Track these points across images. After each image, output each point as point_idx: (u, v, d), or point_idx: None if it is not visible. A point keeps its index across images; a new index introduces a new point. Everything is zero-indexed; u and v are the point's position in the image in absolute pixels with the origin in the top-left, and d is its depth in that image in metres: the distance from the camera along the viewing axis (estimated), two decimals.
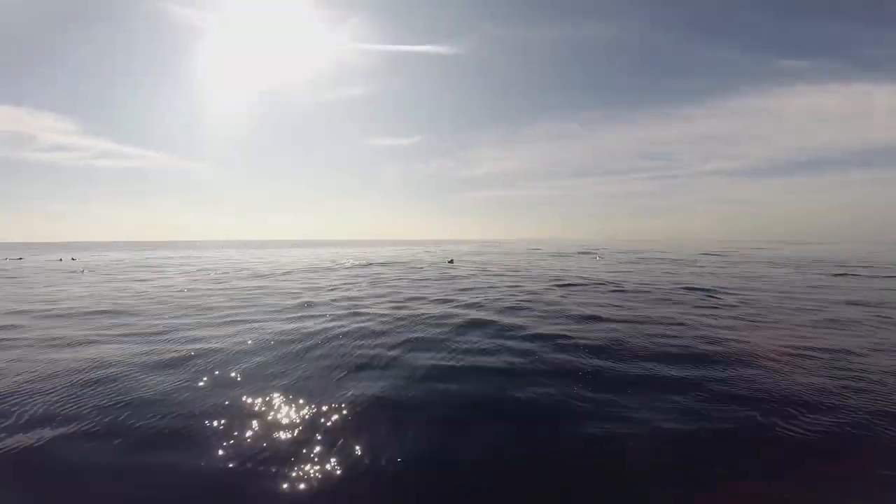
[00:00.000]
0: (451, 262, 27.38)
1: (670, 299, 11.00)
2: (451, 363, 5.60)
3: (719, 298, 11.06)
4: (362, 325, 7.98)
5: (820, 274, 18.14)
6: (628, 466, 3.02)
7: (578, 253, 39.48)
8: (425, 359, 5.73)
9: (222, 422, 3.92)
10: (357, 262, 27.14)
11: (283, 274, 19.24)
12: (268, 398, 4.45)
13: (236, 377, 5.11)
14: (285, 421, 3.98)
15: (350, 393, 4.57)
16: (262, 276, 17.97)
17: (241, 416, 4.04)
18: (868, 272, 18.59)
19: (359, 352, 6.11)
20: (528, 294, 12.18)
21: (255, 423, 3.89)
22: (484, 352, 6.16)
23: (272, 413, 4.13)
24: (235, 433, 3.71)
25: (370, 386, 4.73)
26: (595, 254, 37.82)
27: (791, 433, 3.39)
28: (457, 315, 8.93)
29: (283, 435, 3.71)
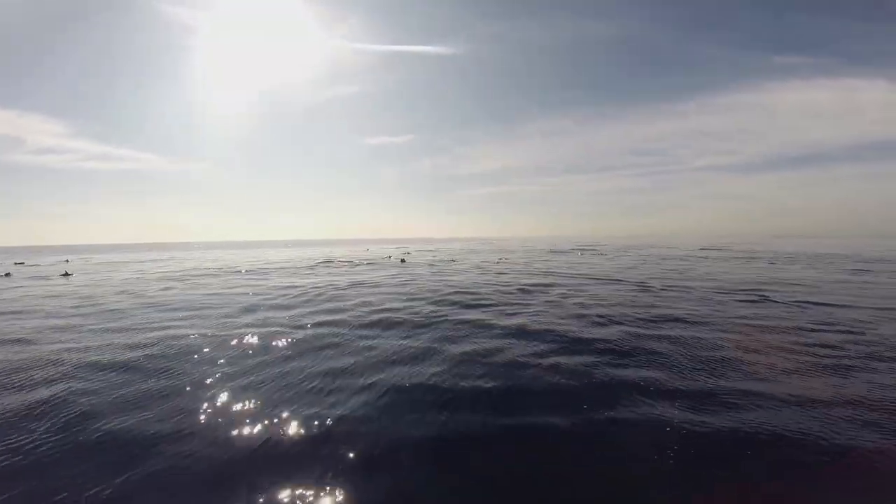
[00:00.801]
0: (454, 261, 26.23)
1: (710, 300, 9.69)
2: (436, 384, 4.56)
3: (777, 302, 9.29)
4: (328, 336, 6.92)
5: (845, 270, 17.24)
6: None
7: (580, 249, 38.43)
8: (399, 386, 4.63)
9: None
10: (346, 262, 26.07)
11: (264, 273, 18.16)
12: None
13: (87, 415, 3.82)
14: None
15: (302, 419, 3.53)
16: (237, 276, 16.88)
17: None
18: (883, 266, 17.70)
19: (315, 379, 5.01)
20: (536, 294, 11.13)
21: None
22: (479, 371, 5.11)
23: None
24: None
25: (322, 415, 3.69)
26: (596, 249, 36.90)
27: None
28: (449, 319, 7.89)
29: None
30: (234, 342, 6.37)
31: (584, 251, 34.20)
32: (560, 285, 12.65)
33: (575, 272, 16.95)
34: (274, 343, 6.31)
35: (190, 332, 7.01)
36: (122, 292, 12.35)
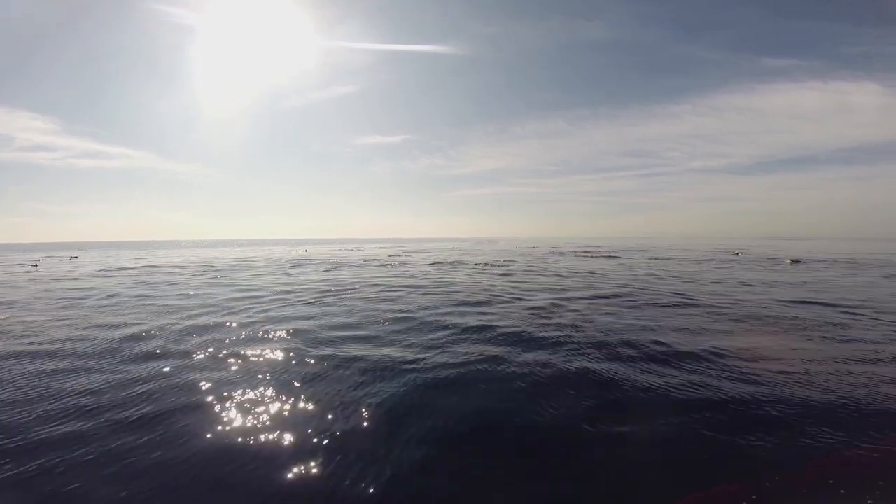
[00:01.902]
0: (453, 262, 23.88)
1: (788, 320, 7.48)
2: None
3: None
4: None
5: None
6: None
7: (586, 251, 36.05)
8: None
9: None
10: (331, 264, 23.84)
11: (237, 269, 15.95)
12: None
13: None
14: None
15: None
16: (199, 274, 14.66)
17: None
18: None
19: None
20: (559, 307, 8.81)
21: None
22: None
23: None
24: None
25: None
26: (599, 250, 34.69)
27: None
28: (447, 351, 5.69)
29: None
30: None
31: (591, 254, 31.78)
32: (580, 299, 10.35)
33: (594, 279, 14.73)
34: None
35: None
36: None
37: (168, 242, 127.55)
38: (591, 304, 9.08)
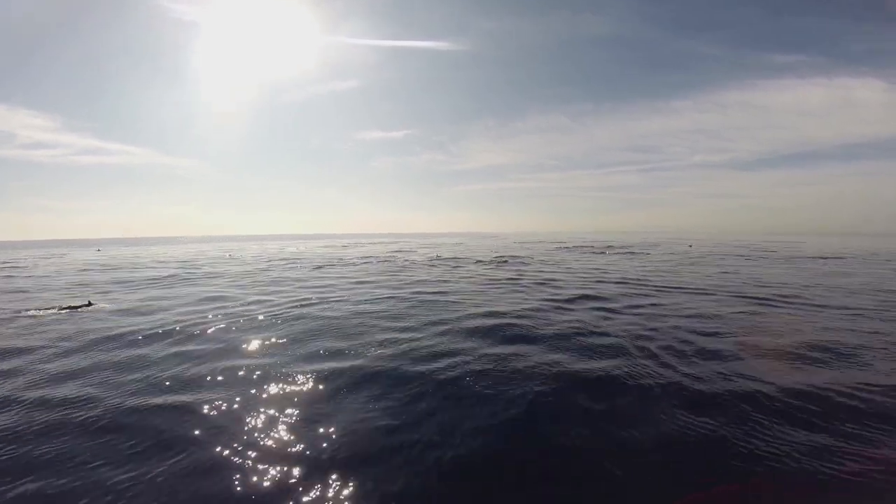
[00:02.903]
0: (458, 259, 22.19)
1: None
2: None
3: None
4: None
5: None
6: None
7: (599, 247, 34.06)
8: None
9: None
10: (324, 260, 22.36)
11: (210, 276, 14.52)
12: None
13: None
14: None
15: None
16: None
17: None
18: None
19: None
20: (613, 317, 7.32)
21: None
22: None
23: None
24: None
25: None
26: (610, 246, 32.96)
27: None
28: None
29: None
30: None
31: (601, 249, 29.93)
32: (608, 297, 8.78)
33: (617, 273, 13.20)
34: None
35: None
36: None
37: (169, 239, 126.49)
38: (625, 301, 7.62)
